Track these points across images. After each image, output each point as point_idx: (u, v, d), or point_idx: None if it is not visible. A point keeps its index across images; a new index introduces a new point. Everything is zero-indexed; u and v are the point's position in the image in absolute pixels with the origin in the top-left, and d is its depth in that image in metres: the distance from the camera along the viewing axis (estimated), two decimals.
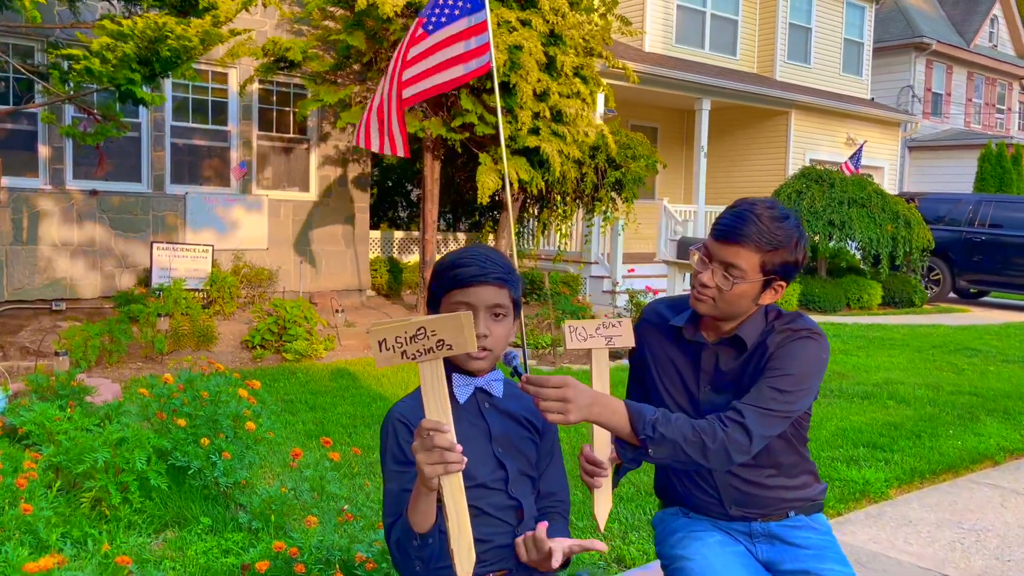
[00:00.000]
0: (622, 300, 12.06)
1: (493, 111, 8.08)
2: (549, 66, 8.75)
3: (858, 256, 14.49)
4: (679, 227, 13.12)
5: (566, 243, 12.34)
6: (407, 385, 6.49)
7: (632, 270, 11.05)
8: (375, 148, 6.72)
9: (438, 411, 1.56)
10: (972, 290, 15.19)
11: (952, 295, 14.91)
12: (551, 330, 8.18)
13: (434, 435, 1.50)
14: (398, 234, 12.27)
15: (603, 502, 1.90)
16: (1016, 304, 15.19)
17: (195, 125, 9.53)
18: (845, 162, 15.16)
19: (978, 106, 25.63)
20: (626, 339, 2.06)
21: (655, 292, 9.12)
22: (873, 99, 19.26)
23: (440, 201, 10.27)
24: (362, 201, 10.81)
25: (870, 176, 14.62)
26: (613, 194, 10.73)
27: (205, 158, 9.68)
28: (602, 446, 1.89)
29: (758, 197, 1.93)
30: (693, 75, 14.06)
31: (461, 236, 12.76)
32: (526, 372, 1.77)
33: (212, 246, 9.18)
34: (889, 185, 18.27)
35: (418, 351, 1.55)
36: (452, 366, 1.75)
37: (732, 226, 1.85)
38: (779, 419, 1.82)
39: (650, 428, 1.72)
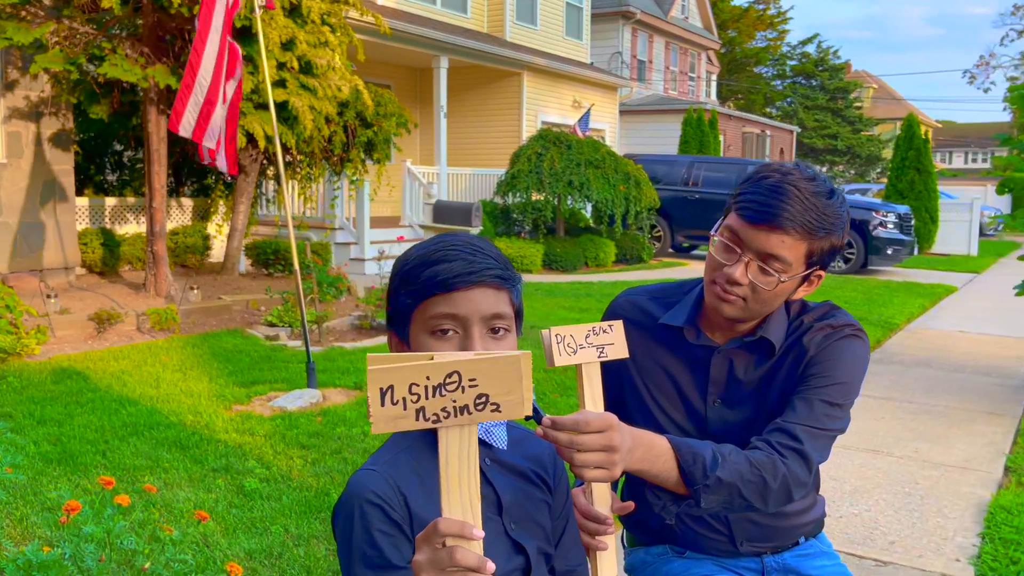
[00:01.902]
0: (371, 268, 11.48)
1: None
2: (294, 11, 7.85)
3: (589, 215, 15.09)
4: (425, 189, 12.72)
5: (311, 208, 11.45)
6: (158, 382, 5.48)
7: (401, 238, 10.48)
8: (209, 145, 5.53)
9: (463, 504, 1.00)
10: (685, 244, 16.49)
11: (670, 250, 16.05)
12: (315, 305, 7.44)
13: (456, 550, 0.94)
14: (111, 201, 10.61)
15: (608, 570, 1.43)
16: None
17: None
18: (575, 124, 15.64)
19: (675, 73, 27.89)
20: (619, 349, 1.58)
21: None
22: (593, 64, 20.11)
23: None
24: (64, 163, 9.13)
25: (603, 138, 15.21)
26: (363, 155, 10.05)
27: None
28: (602, 493, 1.42)
29: (786, 163, 1.51)
30: (432, 31, 13.62)
31: (187, 202, 11.35)
32: (542, 412, 1.24)
33: None
34: (611, 147, 19.24)
35: (445, 411, 0.98)
36: None
37: (772, 206, 1.42)
38: (831, 440, 1.46)
39: (709, 472, 1.28)
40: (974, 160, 65.52)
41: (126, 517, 2.78)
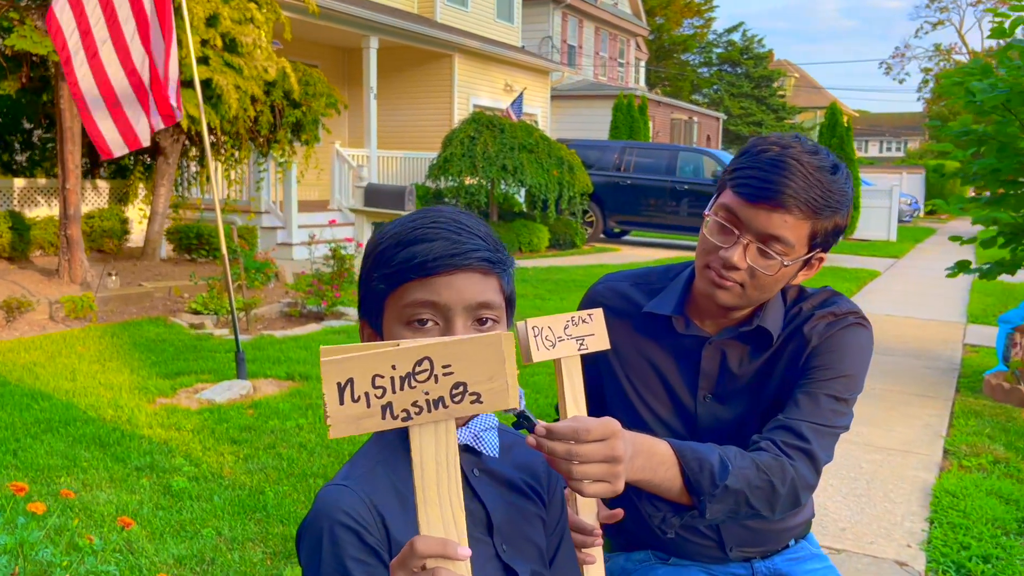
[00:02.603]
0: (300, 252, 11.15)
1: None
2: None
3: (521, 200, 14.98)
4: (355, 172, 12.40)
5: (236, 191, 11.02)
6: (74, 374, 5.14)
7: (333, 222, 10.16)
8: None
9: (444, 518, 0.85)
10: (616, 230, 16.54)
11: (602, 236, 16.07)
12: (242, 292, 7.12)
13: (438, 572, 0.81)
14: (19, 182, 10.02)
15: None
16: (655, 242, 16.83)
17: None
18: (507, 108, 15.47)
19: (604, 59, 27.95)
20: (600, 340, 1.44)
21: (346, 241, 8.38)
22: (524, 48, 19.95)
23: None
24: None
25: (535, 123, 15.08)
26: (291, 136, 9.70)
27: None
28: (588, 500, 1.28)
29: (784, 135, 1.37)
30: (361, 10, 13.26)
31: (104, 184, 10.80)
32: (534, 419, 1.09)
33: None
34: (544, 131, 19.13)
35: (417, 406, 0.83)
36: None
37: (773, 182, 1.29)
38: (836, 439, 1.35)
39: (718, 481, 1.16)
40: (888, 149, 67.78)
41: (41, 524, 2.53)
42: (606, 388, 1.53)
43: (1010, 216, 5.58)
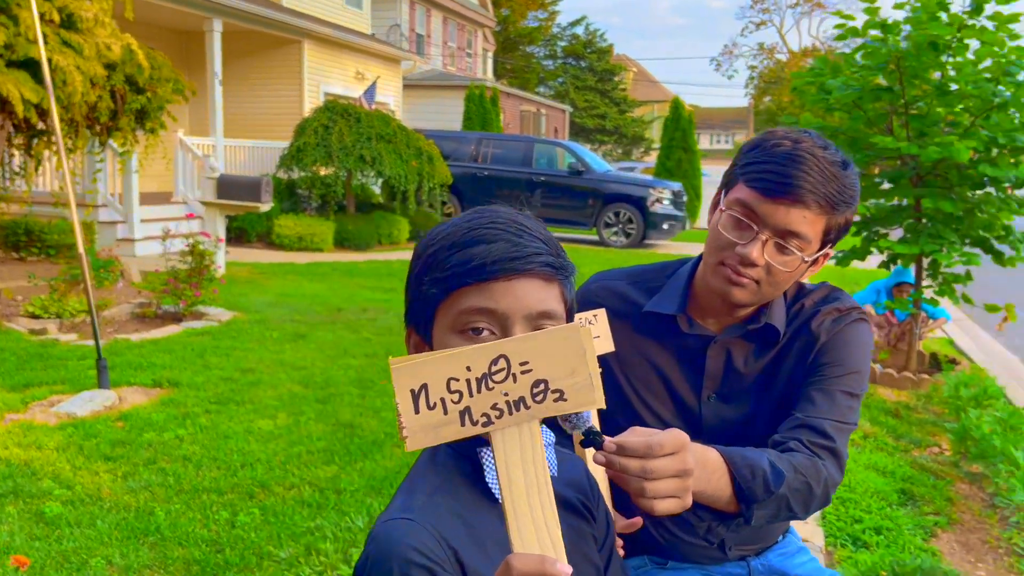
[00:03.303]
0: (144, 249, 10.44)
1: None
2: None
3: (378, 191, 14.71)
4: (201, 162, 11.72)
5: (74, 182, 10.14)
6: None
7: (191, 215, 9.50)
8: None
9: (538, 531, 0.79)
10: None
11: None
12: (87, 292, 6.54)
13: None
14: None
15: None
16: None
17: None
18: (360, 97, 15.12)
19: (452, 49, 27.89)
20: (605, 342, 1.39)
21: (194, 236, 7.89)
22: (374, 35, 19.56)
23: None
24: None
25: (394, 112, 14.82)
26: (134, 123, 9.02)
27: None
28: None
29: (791, 128, 1.36)
30: None
31: None
32: (599, 434, 1.01)
33: None
34: (401, 121, 18.84)
35: (497, 409, 0.79)
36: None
37: (792, 176, 1.27)
38: (849, 436, 1.35)
39: (773, 488, 1.13)
40: (718, 141, 71.71)
41: None
42: (605, 391, 1.47)
43: (862, 206, 5.99)
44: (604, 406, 0.85)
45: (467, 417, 0.79)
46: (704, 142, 72.65)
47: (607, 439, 0.98)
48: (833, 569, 2.36)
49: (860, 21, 5.68)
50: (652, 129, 42.70)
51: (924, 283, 5.46)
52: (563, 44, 40.51)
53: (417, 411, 0.79)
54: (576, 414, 1.02)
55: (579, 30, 40.33)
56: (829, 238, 1.35)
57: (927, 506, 3.48)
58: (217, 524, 3.03)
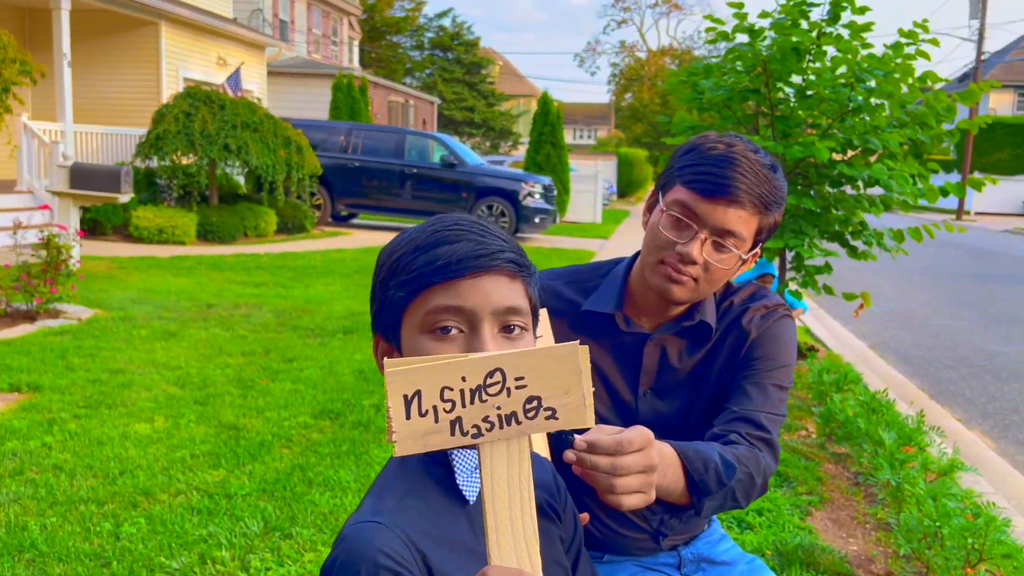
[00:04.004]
0: None
1: None
2: None
3: (242, 181, 14.19)
4: (49, 149, 10.94)
5: None
6: None
7: (46, 207, 8.82)
8: None
9: (516, 546, 0.81)
10: (344, 213, 16.26)
11: (330, 219, 15.71)
12: None
13: None
14: None
15: None
16: (383, 225, 16.77)
17: None
18: (224, 83, 14.53)
19: (317, 36, 27.21)
20: (547, 342, 1.40)
21: (49, 227, 7.38)
22: (236, 19, 18.81)
23: None
24: None
25: (260, 100, 14.31)
26: None
27: None
28: None
29: (723, 134, 1.41)
30: None
31: None
32: (570, 432, 1.02)
33: None
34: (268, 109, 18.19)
35: (488, 421, 0.80)
36: None
37: (728, 177, 1.33)
38: (780, 425, 1.42)
39: (726, 480, 1.17)
40: (581, 136, 73.26)
41: None
42: None
43: None
44: (594, 426, 0.87)
45: (458, 427, 0.79)
46: (568, 137, 74.04)
47: (577, 438, 1.00)
48: None
49: (729, 25, 5.95)
50: (519, 123, 43.17)
51: (789, 275, 5.79)
52: (430, 35, 40.27)
53: (408, 417, 0.78)
54: None
55: (446, 21, 40.24)
56: (760, 237, 1.41)
57: (801, 487, 3.71)
58: (100, 536, 2.86)
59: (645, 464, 0.99)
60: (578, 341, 0.86)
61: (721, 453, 1.26)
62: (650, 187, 47.40)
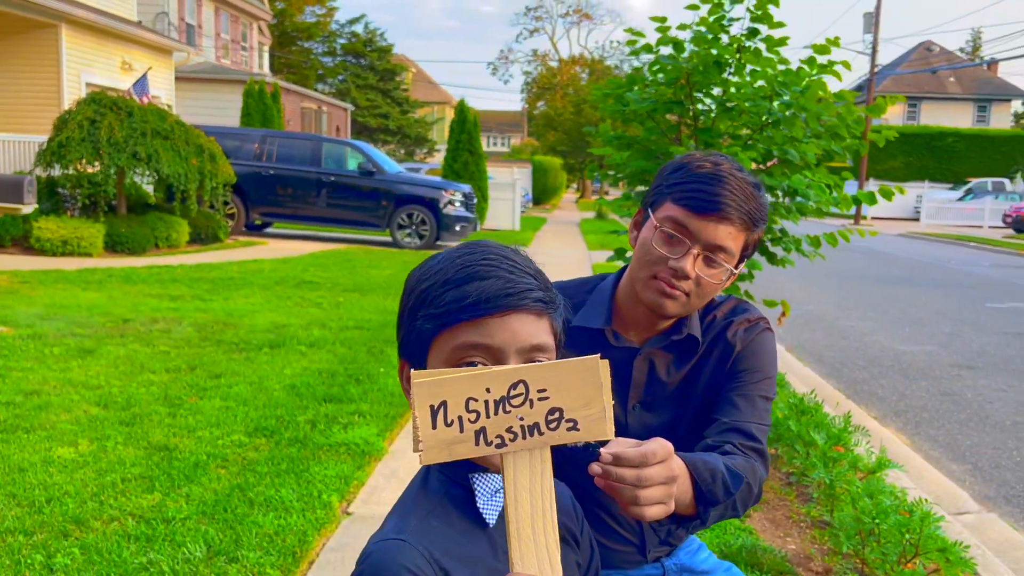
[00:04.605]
0: None
1: None
2: None
3: (152, 191, 13.73)
4: None
5: None
6: None
7: None
8: None
9: (539, 555, 0.83)
10: (259, 222, 15.90)
11: (244, 229, 15.33)
12: None
13: None
14: None
15: None
16: (299, 234, 16.47)
17: None
18: (130, 89, 14.02)
19: (226, 41, 26.55)
20: None
21: None
22: (141, 23, 18.18)
23: None
24: None
25: (169, 106, 13.85)
26: None
27: None
28: None
29: (707, 152, 1.45)
30: None
31: None
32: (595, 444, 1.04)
33: None
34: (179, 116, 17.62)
35: (511, 431, 0.82)
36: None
37: (718, 194, 1.37)
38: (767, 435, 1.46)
39: (733, 490, 1.20)
40: (495, 144, 73.57)
41: None
42: None
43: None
44: (614, 437, 0.89)
45: (482, 437, 0.81)
46: (482, 144, 74.34)
47: (603, 451, 1.01)
48: None
49: (651, 38, 6.08)
50: (434, 130, 43.06)
51: None
52: (343, 41, 39.78)
53: (434, 427, 0.80)
54: None
55: (359, 28, 39.84)
56: (746, 253, 1.46)
57: None
58: (32, 569, 2.71)
59: (667, 475, 1.02)
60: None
61: (726, 464, 1.29)
62: (564, 195, 47.92)
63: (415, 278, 1.01)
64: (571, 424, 0.83)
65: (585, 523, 1.17)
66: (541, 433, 0.82)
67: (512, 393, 0.81)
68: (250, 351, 5.93)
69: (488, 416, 0.80)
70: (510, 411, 0.81)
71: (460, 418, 0.80)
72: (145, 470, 3.62)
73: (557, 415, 0.83)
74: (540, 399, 0.82)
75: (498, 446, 0.81)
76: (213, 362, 5.57)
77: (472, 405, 0.80)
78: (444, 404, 0.79)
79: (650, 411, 1.52)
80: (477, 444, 0.80)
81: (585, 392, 0.84)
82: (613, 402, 1.48)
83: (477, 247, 1.01)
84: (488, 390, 0.81)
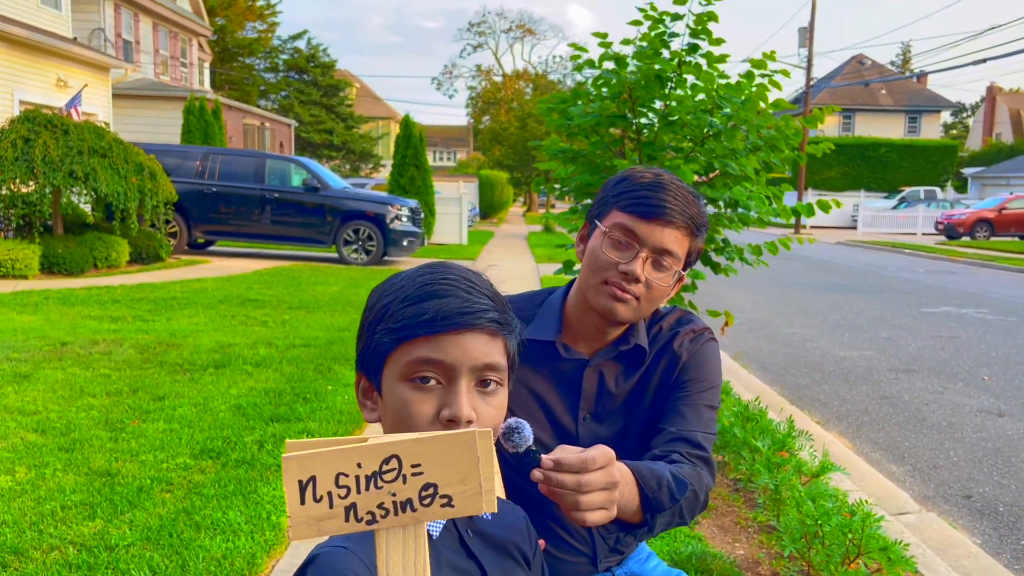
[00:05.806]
0: None
1: None
2: None
3: (89, 210, 13.41)
4: None
5: None
6: None
7: None
8: None
9: None
10: (201, 240, 15.63)
11: (186, 247, 15.06)
12: None
13: None
14: None
15: None
16: (243, 252, 16.23)
17: None
18: (63, 107, 13.72)
19: (165, 58, 26.11)
20: None
21: None
22: (76, 39, 17.80)
23: None
24: None
25: (106, 124, 13.56)
26: None
27: None
28: None
29: (647, 167, 1.50)
30: None
31: None
32: (537, 451, 1.05)
33: None
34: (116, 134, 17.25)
35: (383, 508, 0.79)
36: None
37: (663, 200, 1.42)
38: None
39: (678, 496, 1.22)
40: (441, 159, 73.58)
41: None
42: None
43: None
44: (495, 510, 0.86)
45: (352, 513, 0.78)
46: (428, 159, 74.28)
47: (544, 456, 1.03)
48: None
49: (594, 53, 6.17)
50: (379, 145, 42.87)
51: None
52: (285, 57, 39.43)
53: (303, 502, 0.77)
54: (518, 433, 1.06)
55: (301, 44, 39.52)
56: (689, 260, 1.50)
57: None
58: None
59: (608, 481, 1.04)
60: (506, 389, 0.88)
61: (672, 471, 1.32)
62: (512, 208, 48.08)
63: (377, 294, 1.04)
64: (445, 500, 0.80)
65: (538, 547, 1.19)
66: (414, 510, 0.79)
67: (384, 468, 0.78)
68: (194, 372, 5.82)
69: (359, 492, 0.78)
70: (382, 487, 0.78)
71: (330, 494, 0.77)
72: (86, 496, 3.52)
73: (432, 491, 0.79)
74: (414, 474, 0.79)
75: (369, 523, 0.78)
76: (156, 384, 5.45)
77: (342, 480, 0.77)
78: (313, 480, 0.77)
79: (600, 422, 1.54)
80: (347, 520, 0.78)
81: (461, 467, 0.80)
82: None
83: (439, 267, 1.03)
84: (359, 465, 0.78)
